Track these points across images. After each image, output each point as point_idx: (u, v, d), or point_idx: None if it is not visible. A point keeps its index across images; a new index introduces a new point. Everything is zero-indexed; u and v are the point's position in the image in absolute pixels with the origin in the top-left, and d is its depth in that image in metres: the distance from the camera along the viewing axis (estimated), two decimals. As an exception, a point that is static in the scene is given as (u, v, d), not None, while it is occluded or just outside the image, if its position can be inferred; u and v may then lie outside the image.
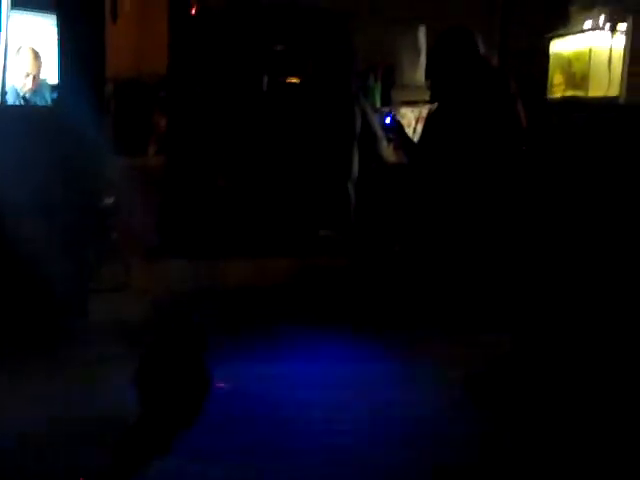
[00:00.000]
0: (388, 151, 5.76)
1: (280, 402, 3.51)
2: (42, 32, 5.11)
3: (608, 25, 5.76)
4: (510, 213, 4.43)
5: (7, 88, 4.95)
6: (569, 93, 5.85)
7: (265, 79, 6.43)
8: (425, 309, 4.48)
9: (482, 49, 4.68)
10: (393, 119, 4.89)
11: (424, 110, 5.79)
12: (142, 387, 3.10)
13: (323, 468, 2.96)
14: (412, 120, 6.18)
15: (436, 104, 4.81)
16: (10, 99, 4.97)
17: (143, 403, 3.06)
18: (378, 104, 6.46)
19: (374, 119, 5.99)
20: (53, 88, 4.98)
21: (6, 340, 4.13)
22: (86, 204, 4.71)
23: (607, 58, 5.67)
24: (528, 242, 4.19)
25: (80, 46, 4.83)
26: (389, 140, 5.74)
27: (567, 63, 6.00)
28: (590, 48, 5.75)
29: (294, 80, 6.42)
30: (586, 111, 5.04)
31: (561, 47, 6.07)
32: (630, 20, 5.66)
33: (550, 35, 6.10)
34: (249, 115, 6.25)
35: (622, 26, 5.69)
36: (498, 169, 4.53)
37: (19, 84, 5.06)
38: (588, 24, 5.80)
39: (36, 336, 4.20)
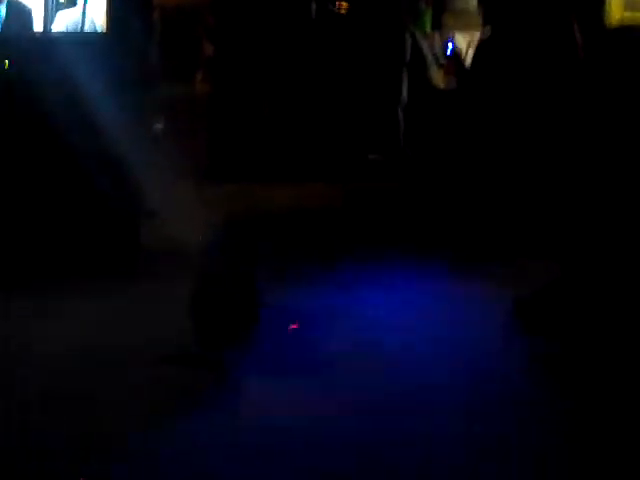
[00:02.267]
0: (438, 76, 5.66)
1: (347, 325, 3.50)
2: None
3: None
4: (564, 141, 4.35)
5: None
6: (627, 14, 5.66)
7: (313, 6, 6.34)
8: (474, 231, 4.44)
9: None
10: (453, 46, 4.83)
11: (475, 36, 5.66)
12: (196, 314, 3.17)
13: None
14: (464, 46, 6.04)
15: (488, 30, 4.70)
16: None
17: (197, 329, 3.13)
18: (428, 28, 6.33)
19: (424, 44, 5.88)
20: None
21: (64, 263, 4.21)
22: (138, 129, 4.73)
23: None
24: (580, 170, 4.11)
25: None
26: (440, 65, 5.64)
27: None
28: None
29: (343, 5, 6.31)
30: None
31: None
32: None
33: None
34: (297, 42, 6.17)
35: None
36: (553, 98, 4.43)
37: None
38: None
39: (93, 260, 4.26)
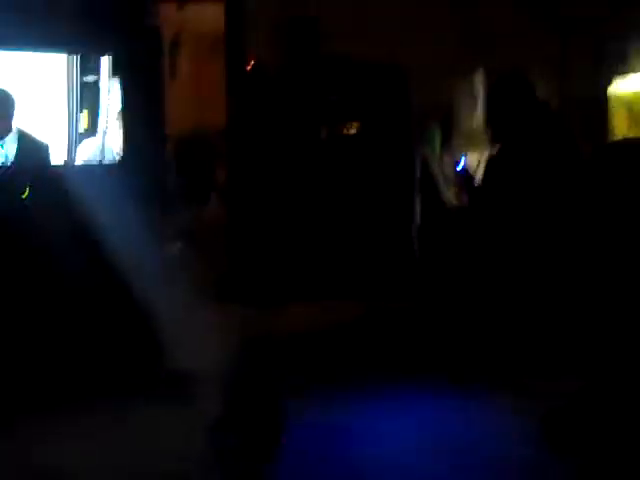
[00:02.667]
0: (450, 194, 5.75)
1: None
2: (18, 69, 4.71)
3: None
4: (575, 256, 4.38)
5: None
6: (632, 134, 5.79)
7: (323, 130, 6.48)
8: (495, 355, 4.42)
9: (538, 93, 4.70)
10: (464, 164, 4.94)
11: (484, 155, 5.78)
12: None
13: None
14: (474, 164, 6.16)
15: (496, 149, 4.82)
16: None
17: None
18: (438, 150, 6.46)
19: (435, 164, 6.00)
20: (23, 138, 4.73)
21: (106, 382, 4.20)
22: (156, 253, 4.79)
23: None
24: (595, 287, 4.12)
25: (141, 107, 4.98)
26: (450, 184, 5.73)
27: (628, 104, 5.94)
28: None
29: (352, 129, 6.46)
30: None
31: (621, 88, 6.02)
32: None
33: (609, 77, 6.07)
34: (309, 165, 6.29)
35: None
36: (561, 212, 4.49)
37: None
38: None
39: (114, 380, 4.25)
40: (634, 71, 5.87)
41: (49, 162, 4.77)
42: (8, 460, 3.38)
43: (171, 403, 3.97)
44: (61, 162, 4.82)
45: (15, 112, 4.64)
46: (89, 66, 4.87)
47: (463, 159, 5.03)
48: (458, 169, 5.07)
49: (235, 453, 3.13)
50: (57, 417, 3.94)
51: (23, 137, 4.69)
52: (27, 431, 3.76)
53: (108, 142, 5.02)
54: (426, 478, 3.23)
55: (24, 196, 4.67)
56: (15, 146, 4.67)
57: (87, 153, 4.97)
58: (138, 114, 5.01)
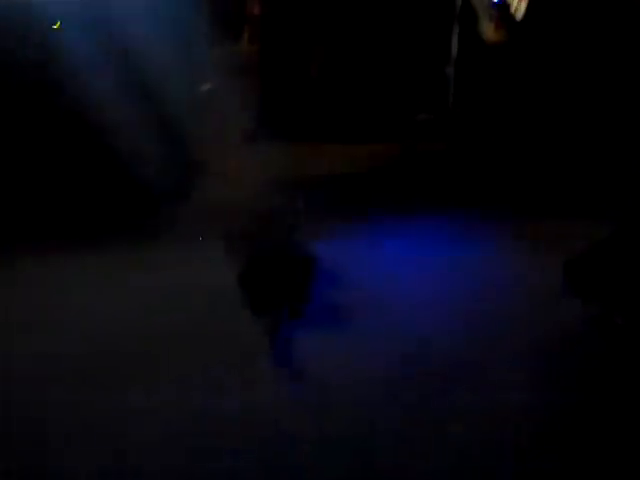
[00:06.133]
0: (490, 30, 5.51)
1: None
2: None
3: None
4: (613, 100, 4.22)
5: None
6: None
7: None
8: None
9: None
10: None
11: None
12: (246, 285, 3.19)
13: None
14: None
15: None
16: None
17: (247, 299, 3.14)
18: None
19: (475, -3, 5.73)
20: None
21: (109, 223, 4.25)
22: (187, 90, 4.74)
23: None
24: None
25: None
26: (491, 18, 5.49)
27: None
28: None
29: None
30: None
31: None
32: None
33: None
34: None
35: None
36: (609, 57, 4.30)
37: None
38: None
39: (137, 220, 4.30)
40: None
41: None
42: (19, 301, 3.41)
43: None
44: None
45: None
46: None
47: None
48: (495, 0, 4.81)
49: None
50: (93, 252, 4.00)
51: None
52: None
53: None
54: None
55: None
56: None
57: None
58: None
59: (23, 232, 4.04)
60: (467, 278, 3.58)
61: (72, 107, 4.50)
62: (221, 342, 3.01)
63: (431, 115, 5.71)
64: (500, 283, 3.53)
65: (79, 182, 4.54)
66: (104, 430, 2.52)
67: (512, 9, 5.05)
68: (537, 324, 3.15)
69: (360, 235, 4.06)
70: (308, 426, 2.50)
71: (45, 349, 3.00)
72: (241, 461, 2.37)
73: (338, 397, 2.65)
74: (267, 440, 2.44)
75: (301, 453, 2.37)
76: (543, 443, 2.40)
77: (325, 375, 2.76)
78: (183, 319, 3.21)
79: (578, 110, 4.37)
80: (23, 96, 4.56)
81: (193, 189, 4.68)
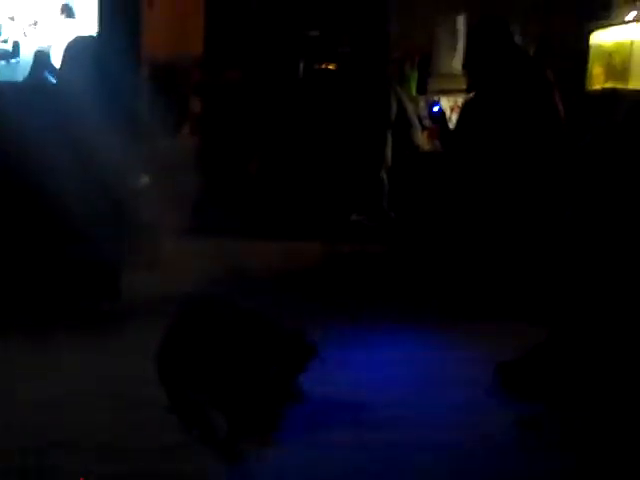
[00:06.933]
0: (422, 139, 5.72)
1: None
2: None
3: (651, 17, 5.69)
4: (546, 205, 4.38)
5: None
6: (609, 85, 5.77)
7: (301, 65, 6.41)
8: (459, 296, 4.45)
9: (517, 39, 4.66)
10: (440, 107, 4.90)
11: (459, 99, 5.75)
12: (161, 366, 3.07)
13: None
14: (447, 109, 6.13)
15: (472, 93, 4.78)
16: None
17: (162, 381, 3.02)
18: (414, 92, 6.42)
19: (409, 107, 5.96)
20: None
21: (41, 320, 4.17)
22: (122, 183, 4.74)
23: (649, 50, 5.60)
24: (565, 236, 4.13)
25: (117, 32, 4.88)
26: (423, 128, 5.70)
27: (608, 55, 5.91)
28: (632, 41, 5.68)
29: (330, 66, 6.39)
30: (626, 102, 4.97)
31: (602, 38, 5.98)
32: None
33: (591, 27, 6.02)
34: (284, 100, 6.23)
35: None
36: (534, 160, 4.49)
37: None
38: (631, 16, 5.72)
39: (72, 316, 4.23)
40: (615, 22, 5.83)
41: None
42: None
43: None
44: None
45: None
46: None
47: (437, 106, 4.98)
48: (434, 111, 5.02)
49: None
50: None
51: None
52: None
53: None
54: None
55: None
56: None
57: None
58: (112, 38, 4.91)
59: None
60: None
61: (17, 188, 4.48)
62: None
63: (365, 216, 5.84)
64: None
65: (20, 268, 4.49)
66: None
67: (446, 119, 5.26)
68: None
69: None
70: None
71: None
72: None
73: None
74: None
75: None
76: None
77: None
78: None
79: (509, 211, 4.51)
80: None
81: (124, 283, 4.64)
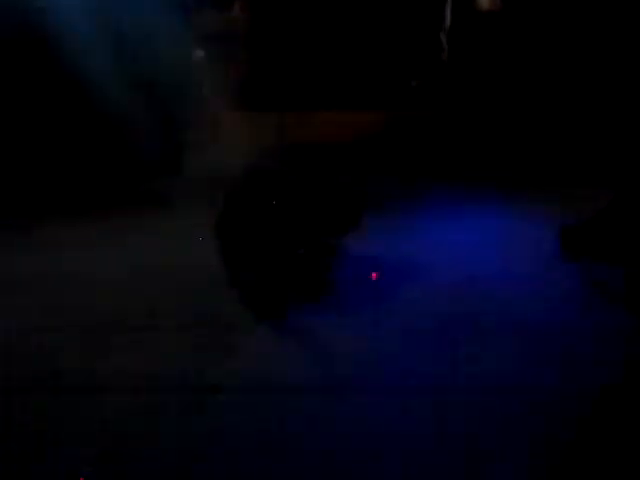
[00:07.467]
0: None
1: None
2: None
3: None
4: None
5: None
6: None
7: None
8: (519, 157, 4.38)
9: None
10: None
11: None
12: (220, 235, 3.14)
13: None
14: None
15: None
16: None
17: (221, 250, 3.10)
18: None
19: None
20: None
21: (109, 196, 4.27)
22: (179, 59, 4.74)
23: None
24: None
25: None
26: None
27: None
28: None
29: None
30: None
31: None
32: None
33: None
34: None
35: None
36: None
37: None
38: None
39: (134, 194, 4.31)
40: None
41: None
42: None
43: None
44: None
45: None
46: None
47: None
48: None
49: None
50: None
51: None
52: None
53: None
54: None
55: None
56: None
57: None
58: None
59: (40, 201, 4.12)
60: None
61: (72, 84, 4.51)
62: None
63: (424, 81, 5.71)
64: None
65: (81, 156, 4.57)
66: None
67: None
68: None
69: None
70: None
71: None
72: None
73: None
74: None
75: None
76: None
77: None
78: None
79: (570, 76, 4.37)
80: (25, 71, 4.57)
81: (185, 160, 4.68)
